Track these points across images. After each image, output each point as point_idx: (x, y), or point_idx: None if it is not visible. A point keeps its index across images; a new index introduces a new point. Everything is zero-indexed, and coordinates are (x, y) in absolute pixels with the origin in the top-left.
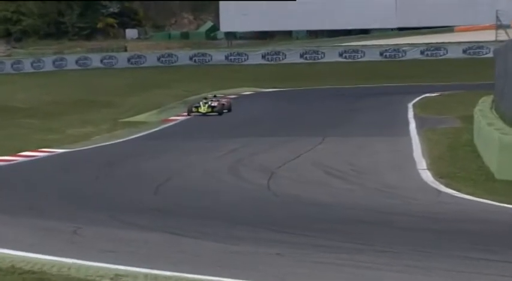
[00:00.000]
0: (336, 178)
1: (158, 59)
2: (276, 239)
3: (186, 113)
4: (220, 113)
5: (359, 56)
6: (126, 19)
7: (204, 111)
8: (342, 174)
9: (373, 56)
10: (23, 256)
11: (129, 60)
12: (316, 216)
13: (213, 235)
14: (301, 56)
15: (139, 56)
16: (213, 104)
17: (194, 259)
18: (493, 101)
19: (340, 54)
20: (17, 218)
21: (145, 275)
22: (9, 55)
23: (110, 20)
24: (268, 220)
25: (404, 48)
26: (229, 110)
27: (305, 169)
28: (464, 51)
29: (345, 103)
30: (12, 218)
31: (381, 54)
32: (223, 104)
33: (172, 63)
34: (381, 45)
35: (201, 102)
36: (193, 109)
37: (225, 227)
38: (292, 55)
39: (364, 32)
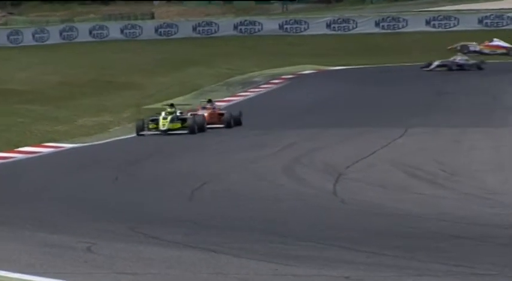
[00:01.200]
0: (421, 181)
1: (194, 28)
2: (344, 258)
3: (229, 98)
4: (192, 131)
5: (451, 25)
6: None
7: (165, 128)
8: (429, 176)
9: (469, 24)
10: (22, 279)
11: (156, 30)
12: (396, 230)
13: (263, 253)
14: (377, 24)
15: (169, 25)
16: (182, 116)
17: None
18: None
19: (427, 22)
20: (15, 232)
21: None
22: (4, 23)
23: None
24: (334, 235)
25: (509, 14)
26: (229, 124)
27: (381, 170)
28: None
29: (433, 85)
30: (9, 232)
31: (480, 21)
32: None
33: (212, 33)
34: (478, 11)
35: (162, 114)
36: (149, 125)
37: (278, 243)
38: (366, 23)
39: None
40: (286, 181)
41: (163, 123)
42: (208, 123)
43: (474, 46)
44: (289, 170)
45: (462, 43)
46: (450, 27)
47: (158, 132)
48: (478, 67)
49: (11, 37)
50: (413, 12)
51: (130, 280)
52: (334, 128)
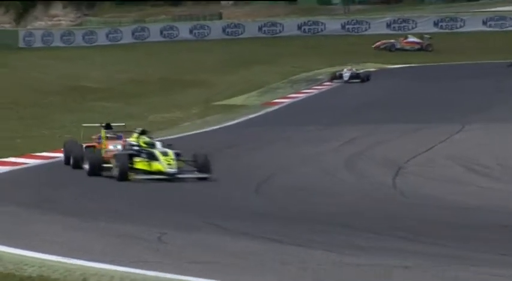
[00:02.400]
0: (478, 175)
1: (260, 28)
2: (404, 248)
3: (293, 95)
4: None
5: (507, 25)
6: None
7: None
8: (487, 170)
9: None
10: (96, 268)
11: (224, 30)
12: (454, 221)
13: (326, 244)
14: (436, 24)
15: (236, 25)
16: None
17: (302, 273)
18: None
19: (484, 22)
20: (89, 223)
21: None
22: (80, 24)
23: None
24: (395, 226)
25: None
26: None
27: (439, 164)
28: None
29: (492, 82)
30: (83, 223)
31: None
32: None
33: (277, 33)
34: None
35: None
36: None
37: (340, 234)
38: (425, 23)
39: None
40: (347, 174)
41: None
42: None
43: (396, 44)
44: (351, 164)
45: (385, 41)
46: (506, 27)
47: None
48: (367, 78)
49: (86, 37)
50: (470, 13)
51: (200, 269)
52: (394, 124)
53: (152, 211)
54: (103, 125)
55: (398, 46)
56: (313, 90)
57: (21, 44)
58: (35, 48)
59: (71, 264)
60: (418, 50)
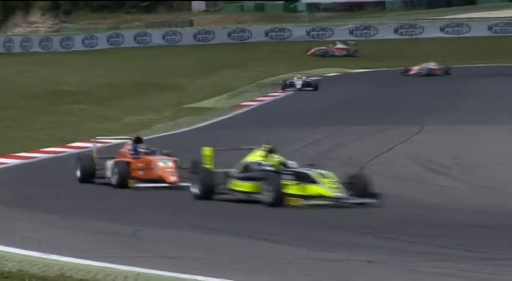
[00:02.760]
0: (437, 174)
1: (229, 35)
2: (369, 244)
3: (261, 98)
4: None
5: (464, 31)
6: None
7: None
8: (445, 169)
9: (480, 31)
10: (74, 263)
11: (195, 36)
12: (415, 218)
13: (296, 239)
14: (396, 31)
15: (207, 32)
16: None
17: (273, 267)
18: None
19: (442, 29)
20: (67, 220)
21: None
22: (57, 31)
23: None
24: (360, 223)
25: None
26: None
27: (400, 164)
28: None
29: (448, 86)
30: (62, 220)
31: (490, 28)
32: None
33: (245, 39)
34: (489, 19)
35: None
36: None
37: (309, 231)
38: (385, 30)
39: (470, 3)
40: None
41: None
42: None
43: (328, 50)
44: (315, 164)
45: (318, 48)
46: (462, 34)
47: None
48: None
49: (63, 43)
50: (428, 20)
51: (172, 263)
52: (356, 126)
53: (127, 209)
54: (131, 138)
55: (330, 52)
56: (280, 94)
57: (1, 50)
58: (14, 53)
59: (50, 259)
60: (346, 56)
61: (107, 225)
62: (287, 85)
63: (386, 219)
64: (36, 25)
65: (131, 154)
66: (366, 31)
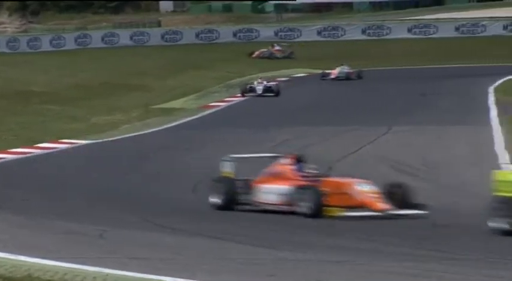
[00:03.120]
0: (404, 174)
1: (197, 35)
2: (335, 244)
3: (229, 99)
4: None
5: (431, 32)
6: None
7: None
8: (412, 169)
9: (447, 32)
10: (41, 264)
11: (163, 37)
12: (382, 219)
13: (262, 240)
14: (364, 31)
15: (174, 32)
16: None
17: (239, 267)
18: None
19: (409, 30)
20: (34, 221)
21: None
22: (24, 31)
23: None
24: (326, 223)
25: (484, 22)
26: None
27: (368, 164)
28: None
29: (414, 87)
30: (29, 221)
31: (457, 29)
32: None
33: (213, 40)
34: (456, 19)
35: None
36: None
37: (275, 231)
38: (353, 31)
39: (437, 4)
40: None
41: None
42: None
43: (272, 52)
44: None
45: (262, 50)
46: (430, 35)
47: None
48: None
49: (31, 43)
50: (396, 21)
51: (140, 264)
52: (324, 127)
53: (93, 209)
54: (293, 156)
55: (274, 54)
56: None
57: None
58: None
59: (17, 260)
60: (284, 57)
61: (73, 226)
62: (247, 90)
63: (353, 220)
64: (4, 26)
65: (298, 175)
66: (333, 32)
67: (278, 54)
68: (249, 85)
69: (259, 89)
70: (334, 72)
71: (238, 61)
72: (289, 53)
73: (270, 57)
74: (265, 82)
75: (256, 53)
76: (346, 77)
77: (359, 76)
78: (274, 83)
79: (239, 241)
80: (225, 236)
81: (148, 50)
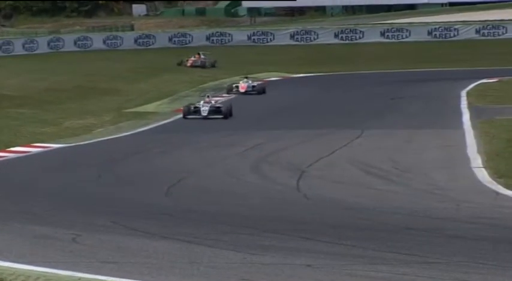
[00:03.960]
0: (376, 177)
1: (170, 39)
2: (307, 248)
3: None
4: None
5: (404, 36)
6: None
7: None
8: (384, 173)
9: (420, 36)
10: (13, 268)
11: (136, 40)
12: (354, 222)
13: (233, 244)
14: (336, 35)
15: (147, 36)
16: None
17: (210, 271)
18: None
19: (382, 34)
20: (6, 224)
21: None
22: None
23: None
24: (298, 227)
25: (456, 26)
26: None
27: (341, 167)
28: None
29: (388, 91)
30: (1, 224)
31: (429, 33)
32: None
33: (187, 44)
34: (429, 23)
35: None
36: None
37: (246, 235)
38: (326, 35)
39: (410, 8)
40: (253, 177)
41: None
42: None
43: (203, 61)
44: (257, 168)
45: (193, 59)
46: (403, 39)
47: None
48: (263, 91)
49: (3, 47)
50: (369, 25)
51: (112, 268)
52: (297, 130)
53: (66, 213)
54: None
55: (206, 63)
56: (221, 98)
57: None
58: None
59: None
60: (211, 66)
61: (45, 230)
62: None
63: (324, 223)
64: None
65: None
66: (306, 36)
67: (207, 63)
68: (234, 84)
69: (204, 110)
70: (243, 86)
71: None
72: (214, 61)
73: (202, 66)
74: (250, 82)
75: (190, 61)
76: (255, 91)
77: (263, 90)
78: (258, 82)
79: (210, 245)
80: (196, 240)
81: (121, 53)
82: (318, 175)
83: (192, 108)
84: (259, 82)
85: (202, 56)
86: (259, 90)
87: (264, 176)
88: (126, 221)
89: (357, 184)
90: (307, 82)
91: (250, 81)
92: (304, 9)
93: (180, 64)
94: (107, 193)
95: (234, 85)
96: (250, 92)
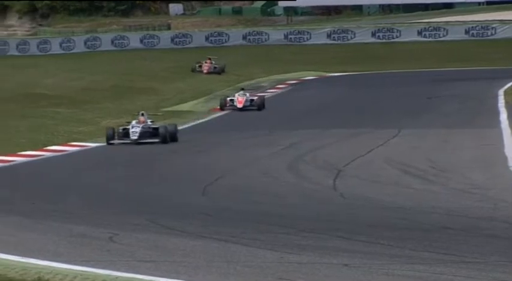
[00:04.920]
0: (413, 177)
1: (206, 38)
2: (343, 247)
3: None
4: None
5: (441, 35)
6: None
7: None
8: (421, 172)
9: (457, 35)
10: (51, 267)
11: (172, 39)
12: (391, 221)
13: (270, 243)
14: (373, 34)
15: (184, 35)
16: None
17: (246, 271)
18: None
19: (419, 33)
20: (43, 224)
21: None
22: (34, 34)
23: None
24: (334, 226)
25: (494, 25)
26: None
27: (377, 167)
28: None
29: (424, 90)
30: (38, 224)
31: (467, 32)
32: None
33: (223, 43)
34: (466, 22)
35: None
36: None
37: (283, 234)
38: (363, 34)
39: (447, 7)
40: (289, 176)
41: None
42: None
43: (217, 66)
44: (293, 167)
45: (206, 63)
46: (440, 37)
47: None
48: (263, 106)
49: (40, 46)
50: (406, 24)
51: (149, 267)
52: (334, 129)
53: (103, 212)
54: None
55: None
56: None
57: None
58: None
59: (27, 263)
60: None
61: (83, 228)
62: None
63: (361, 222)
64: (14, 29)
65: None
66: (343, 35)
67: (218, 68)
68: (229, 98)
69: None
70: (240, 100)
71: (248, 64)
72: (223, 66)
73: (218, 72)
74: (247, 95)
75: (206, 68)
76: (254, 106)
77: (263, 105)
78: (257, 95)
79: (247, 244)
80: (233, 239)
81: (158, 52)
82: (355, 174)
83: (229, 100)
84: (258, 94)
85: (213, 62)
86: (259, 105)
87: (301, 176)
88: (163, 220)
89: (394, 183)
90: (343, 81)
91: (247, 94)
92: (340, 8)
93: (193, 71)
94: (143, 191)
95: (228, 99)
96: (249, 107)
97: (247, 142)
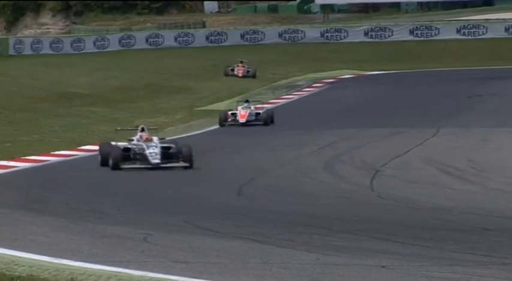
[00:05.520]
0: (452, 177)
1: (242, 36)
2: (381, 249)
3: (274, 100)
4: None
5: (480, 33)
6: None
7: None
8: (460, 172)
9: (497, 33)
10: (84, 268)
11: (207, 37)
12: (429, 222)
13: (306, 244)
14: (411, 32)
15: (219, 33)
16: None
17: (282, 272)
18: None
19: (458, 31)
20: (77, 224)
21: None
22: (68, 32)
23: None
24: (372, 227)
25: None
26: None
27: (415, 167)
28: None
29: (464, 89)
30: (71, 224)
31: (506, 30)
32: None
33: (259, 41)
34: (506, 20)
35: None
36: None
37: (319, 235)
38: (401, 31)
39: (487, 4)
40: (326, 176)
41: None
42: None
43: (250, 70)
44: (330, 167)
45: (242, 66)
46: (479, 35)
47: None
48: (271, 120)
49: (74, 45)
50: (444, 22)
51: (183, 268)
52: (371, 129)
53: (137, 212)
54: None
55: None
56: (293, 96)
57: (11, 52)
58: (24, 55)
59: (60, 264)
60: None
61: (116, 229)
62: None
63: (399, 223)
64: (47, 27)
65: None
66: (380, 33)
67: (251, 72)
68: (231, 112)
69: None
70: (243, 114)
71: (284, 62)
72: (255, 70)
73: (253, 76)
74: (252, 107)
75: (241, 72)
76: (260, 120)
77: (271, 119)
78: (263, 107)
79: (283, 245)
80: (269, 240)
81: (192, 51)
82: (392, 174)
83: (230, 114)
84: (265, 107)
85: (245, 65)
86: (265, 120)
87: (337, 176)
88: (198, 221)
89: (433, 183)
90: (380, 80)
91: (252, 107)
92: (378, 6)
93: (227, 75)
94: (178, 192)
95: (229, 113)
96: (253, 121)
97: (283, 141)
